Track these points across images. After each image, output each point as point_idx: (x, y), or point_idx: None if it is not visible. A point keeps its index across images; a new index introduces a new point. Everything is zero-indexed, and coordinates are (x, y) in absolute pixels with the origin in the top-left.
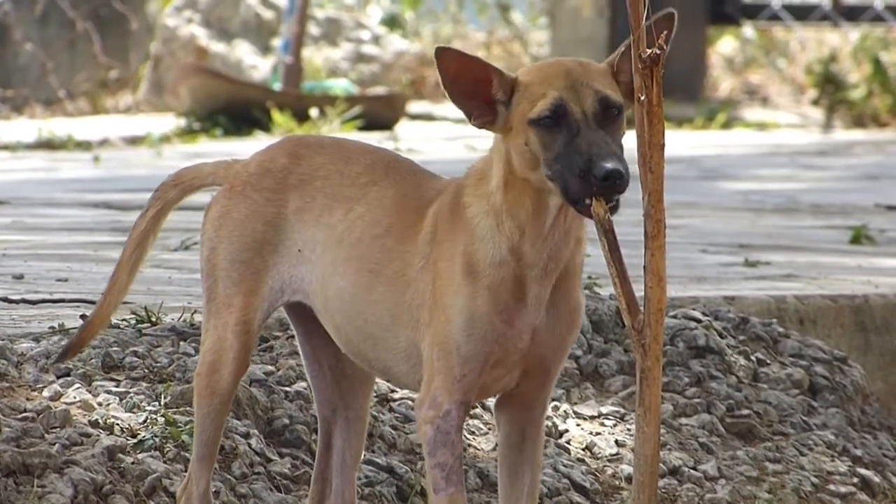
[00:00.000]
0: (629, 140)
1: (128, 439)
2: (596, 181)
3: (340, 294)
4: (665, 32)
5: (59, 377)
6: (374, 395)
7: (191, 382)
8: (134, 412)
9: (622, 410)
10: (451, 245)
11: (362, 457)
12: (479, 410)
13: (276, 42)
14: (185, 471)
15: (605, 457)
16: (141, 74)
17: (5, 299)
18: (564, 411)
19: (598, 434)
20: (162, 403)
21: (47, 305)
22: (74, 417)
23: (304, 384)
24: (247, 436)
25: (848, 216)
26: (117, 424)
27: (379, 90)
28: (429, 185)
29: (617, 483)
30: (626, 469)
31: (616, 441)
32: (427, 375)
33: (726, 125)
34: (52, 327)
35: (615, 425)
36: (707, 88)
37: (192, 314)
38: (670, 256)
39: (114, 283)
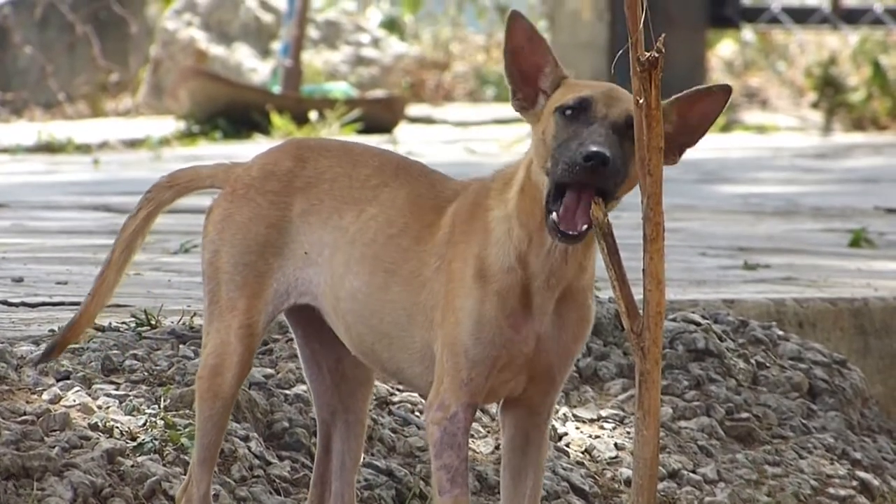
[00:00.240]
0: None
1: (127, 442)
2: (578, 159)
3: (354, 294)
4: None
5: (58, 380)
6: (374, 398)
7: (190, 386)
8: (133, 415)
9: (621, 413)
10: (466, 247)
11: (361, 460)
12: (477, 413)
13: (276, 45)
14: (185, 474)
15: (605, 460)
16: (140, 77)
17: (5, 302)
18: (564, 414)
19: (597, 437)
20: (161, 407)
21: (47, 308)
22: (74, 420)
23: (303, 387)
24: (246, 439)
25: (847, 219)
26: (117, 427)
27: (378, 93)
28: (444, 185)
29: (616, 486)
30: (626, 472)
31: (615, 444)
32: (437, 377)
33: (725, 128)
34: (52, 330)
35: (614, 428)
36: None
37: (192, 317)
38: (669, 260)
39: (101, 283)
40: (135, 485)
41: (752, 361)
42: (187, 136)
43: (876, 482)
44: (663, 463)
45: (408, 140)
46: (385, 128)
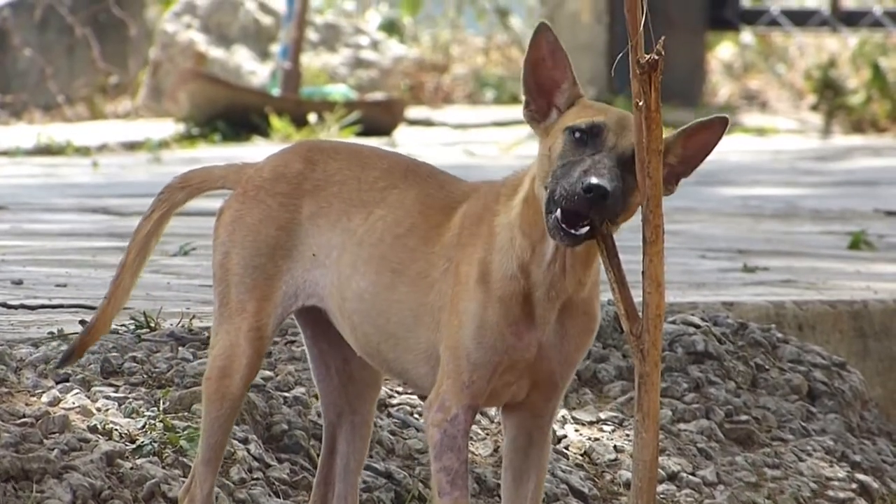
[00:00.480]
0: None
1: (126, 445)
2: (579, 189)
3: (360, 294)
4: (663, 37)
5: (57, 382)
6: None
7: (190, 388)
8: (133, 417)
9: (621, 416)
10: (472, 250)
11: None
12: (477, 416)
13: (275, 47)
14: (184, 476)
15: (604, 462)
16: (140, 80)
17: (4, 304)
18: (563, 417)
19: (596, 440)
20: (160, 409)
21: (46, 311)
22: (73, 423)
23: (302, 389)
24: (245, 441)
25: (847, 222)
26: (116, 430)
27: (377, 96)
28: (454, 187)
29: (615, 489)
30: (625, 475)
31: (615, 446)
32: (438, 378)
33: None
34: (51, 333)
35: (614, 431)
36: (706, 94)
37: (191, 320)
38: (669, 262)
39: (117, 287)
40: (134, 487)
41: (752, 364)
42: (186, 139)
43: (875, 485)
44: (663, 465)
45: (407, 142)
46: (384, 130)
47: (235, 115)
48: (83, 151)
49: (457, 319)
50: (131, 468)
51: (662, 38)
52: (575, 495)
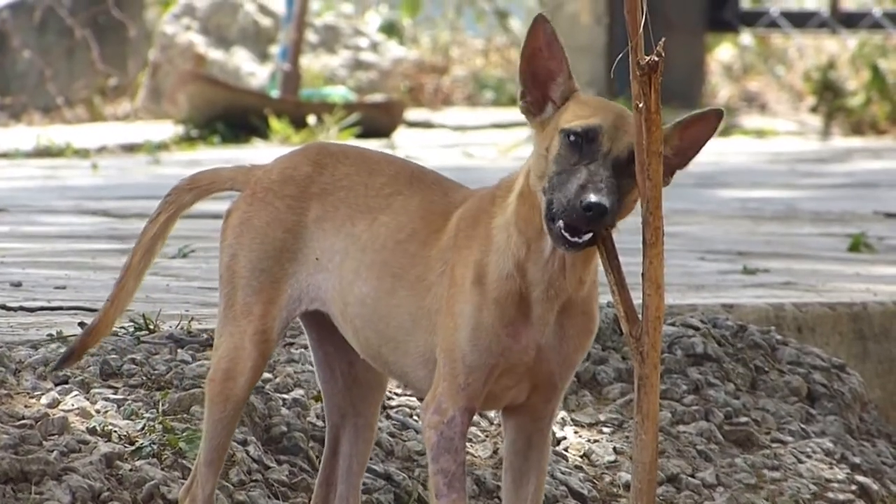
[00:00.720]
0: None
1: (126, 446)
2: (578, 206)
3: (363, 299)
4: (663, 39)
5: (57, 384)
6: None
7: (188, 390)
8: (132, 419)
9: (620, 418)
10: (468, 252)
11: None
12: (476, 417)
13: (274, 49)
14: (183, 478)
15: (603, 464)
16: (139, 82)
17: (3, 307)
18: (562, 419)
19: (595, 441)
20: (160, 411)
21: (45, 313)
22: (72, 425)
23: (301, 391)
24: (244, 443)
25: (846, 224)
26: (115, 432)
27: (377, 97)
28: (456, 193)
29: (615, 491)
30: (625, 476)
31: (614, 448)
32: (435, 380)
33: (724, 132)
34: (51, 335)
35: (613, 433)
36: (705, 95)
37: (190, 321)
38: (668, 264)
39: (120, 289)
40: (133, 489)
41: (751, 366)
42: (186, 141)
43: (875, 486)
44: (662, 467)
45: (406, 144)
46: (383, 132)
47: (235, 117)
48: (82, 153)
49: (452, 322)
50: (130, 470)
51: (662, 39)
52: (574, 497)
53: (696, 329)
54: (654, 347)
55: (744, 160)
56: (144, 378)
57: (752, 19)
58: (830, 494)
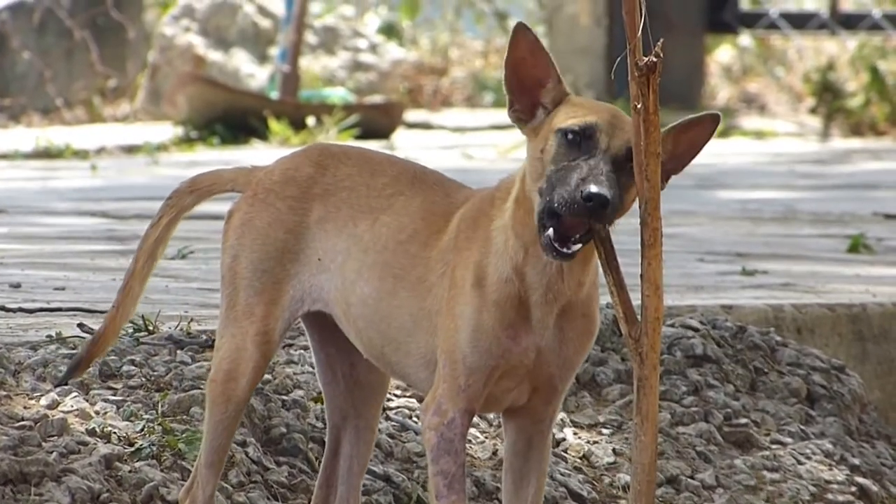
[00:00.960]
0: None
1: (125, 448)
2: (579, 197)
3: (364, 300)
4: (662, 40)
5: (56, 386)
6: None
7: (188, 391)
8: (131, 421)
9: (619, 419)
10: (468, 254)
11: None
12: (475, 419)
13: (274, 51)
14: (182, 479)
15: (603, 466)
16: (138, 83)
17: (2, 308)
18: (562, 420)
19: (595, 443)
20: (159, 412)
21: (44, 314)
22: (72, 426)
23: (301, 393)
24: (244, 444)
25: (846, 225)
26: (114, 433)
27: (376, 99)
28: (458, 194)
29: (614, 492)
30: (624, 478)
31: (613, 450)
32: (435, 381)
33: (724, 134)
34: (50, 336)
35: (612, 434)
36: (704, 97)
37: (189, 323)
38: (667, 265)
39: (126, 294)
40: (132, 490)
41: (751, 367)
42: (185, 142)
43: (875, 488)
44: (661, 468)
45: (405, 146)
46: (383, 133)
47: (234, 119)
48: (82, 155)
49: (452, 323)
50: (130, 471)
51: (661, 40)
52: (574, 498)
53: (696, 330)
54: (654, 348)
55: (743, 161)
56: (144, 379)
57: (752, 20)
58: (830, 496)
